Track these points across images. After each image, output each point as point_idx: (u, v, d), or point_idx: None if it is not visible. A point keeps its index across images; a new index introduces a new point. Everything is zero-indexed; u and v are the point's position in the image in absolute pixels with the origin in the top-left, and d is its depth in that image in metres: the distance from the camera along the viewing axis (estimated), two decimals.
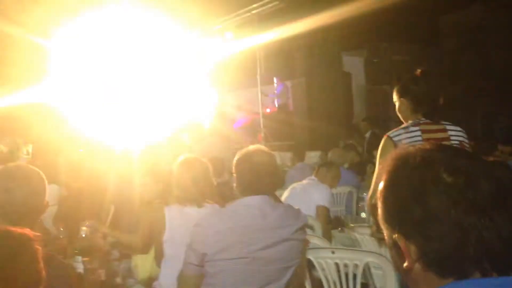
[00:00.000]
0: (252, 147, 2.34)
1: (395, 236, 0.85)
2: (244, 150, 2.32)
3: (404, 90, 2.49)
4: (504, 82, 8.09)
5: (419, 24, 8.69)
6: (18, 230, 1.35)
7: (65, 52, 6.82)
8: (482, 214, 0.78)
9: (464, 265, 0.79)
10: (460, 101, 8.17)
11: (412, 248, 0.82)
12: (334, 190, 4.84)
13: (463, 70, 8.39)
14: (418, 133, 2.38)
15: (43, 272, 1.33)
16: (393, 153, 0.88)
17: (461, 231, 0.78)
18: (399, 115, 2.53)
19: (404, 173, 0.84)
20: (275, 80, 9.45)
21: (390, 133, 2.42)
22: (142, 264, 3.05)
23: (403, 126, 2.46)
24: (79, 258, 2.66)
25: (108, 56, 7.06)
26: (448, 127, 2.45)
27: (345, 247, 2.97)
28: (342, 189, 4.79)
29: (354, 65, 9.77)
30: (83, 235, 2.74)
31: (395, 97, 2.53)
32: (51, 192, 4.51)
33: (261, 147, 2.40)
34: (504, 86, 8.10)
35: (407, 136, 2.36)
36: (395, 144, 2.34)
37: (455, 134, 2.42)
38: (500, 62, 8.15)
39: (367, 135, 7.20)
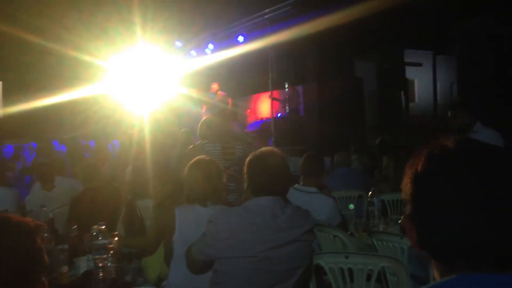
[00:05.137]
0: (265, 149, 2.36)
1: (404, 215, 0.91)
2: (257, 152, 2.35)
3: None
4: None
5: (431, 30, 8.67)
6: (17, 218, 1.36)
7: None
8: (484, 213, 0.80)
9: (463, 259, 0.81)
10: (472, 107, 8.13)
11: (414, 232, 0.88)
12: (344, 194, 4.84)
13: (474, 76, 8.34)
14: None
15: (45, 260, 1.34)
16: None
17: (461, 226, 0.81)
18: None
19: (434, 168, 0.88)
20: (286, 84, 9.46)
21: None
22: (152, 263, 3.08)
23: None
24: (90, 256, 2.70)
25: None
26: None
27: (359, 252, 2.94)
28: (352, 193, 4.77)
29: (365, 70, 9.75)
30: (95, 234, 2.79)
31: None
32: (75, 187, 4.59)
33: (274, 149, 2.41)
34: None
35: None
36: None
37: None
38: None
39: (377, 141, 7.18)
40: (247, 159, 2.34)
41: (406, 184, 0.92)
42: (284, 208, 2.21)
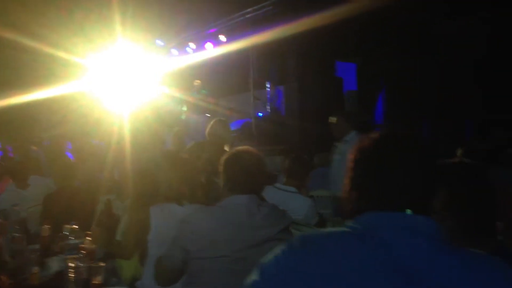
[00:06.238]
0: (241, 148, 2.37)
1: None
2: (233, 150, 2.35)
3: None
4: (495, 91, 8.15)
5: (413, 32, 8.74)
6: None
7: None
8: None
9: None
10: (452, 109, 8.23)
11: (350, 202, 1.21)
12: (322, 193, 4.84)
13: (454, 79, 8.43)
14: None
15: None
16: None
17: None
18: None
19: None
20: (267, 84, 9.45)
21: None
22: (127, 264, 3.03)
23: None
24: (62, 256, 2.64)
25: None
26: None
27: None
28: (331, 192, 4.77)
29: (346, 70, 9.80)
30: (66, 234, 2.72)
31: None
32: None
33: (250, 148, 2.42)
34: (495, 95, 8.16)
35: None
36: None
37: None
38: (490, 72, 8.22)
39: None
40: (224, 158, 2.32)
41: (351, 160, 1.21)
42: (260, 206, 2.19)
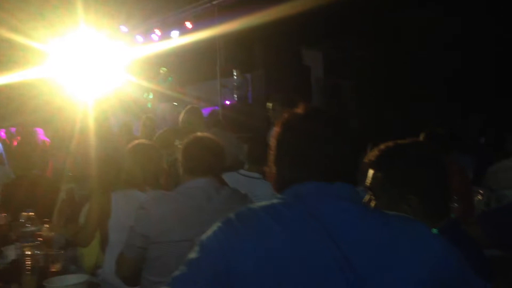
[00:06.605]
0: (199, 133, 2.41)
1: None
2: (191, 136, 2.35)
3: None
4: (454, 82, 8.37)
5: (380, 20, 8.82)
6: None
7: None
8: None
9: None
10: (417, 98, 8.39)
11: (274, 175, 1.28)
12: None
13: (420, 68, 8.58)
14: None
15: None
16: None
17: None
18: None
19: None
20: (234, 72, 9.40)
21: None
22: (88, 251, 2.97)
23: None
24: (18, 244, 2.57)
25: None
26: None
27: None
28: None
29: (313, 58, 9.84)
30: (23, 222, 2.65)
31: None
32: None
33: (208, 134, 2.46)
34: (455, 85, 8.38)
35: None
36: None
37: None
38: (453, 61, 8.41)
39: None
40: (183, 143, 2.31)
41: (274, 135, 1.25)
42: (220, 190, 2.18)
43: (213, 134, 5.28)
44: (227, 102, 9.47)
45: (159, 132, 5.12)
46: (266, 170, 3.85)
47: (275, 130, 1.25)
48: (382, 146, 1.59)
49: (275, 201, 1.17)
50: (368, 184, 1.58)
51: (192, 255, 1.12)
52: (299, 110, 1.26)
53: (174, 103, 9.60)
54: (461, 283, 1.14)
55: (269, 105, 4.73)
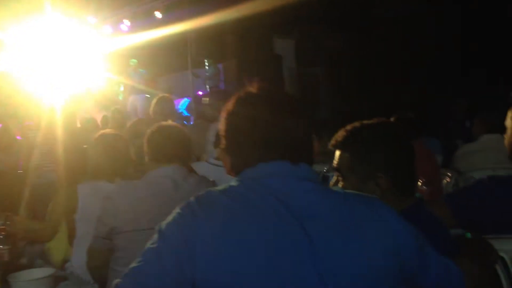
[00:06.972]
0: (163, 123, 2.40)
1: None
2: (156, 124, 2.34)
3: None
4: (431, 67, 8.50)
5: (351, 9, 8.87)
6: None
7: None
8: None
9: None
10: (388, 83, 8.49)
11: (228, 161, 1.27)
12: None
13: (390, 58, 8.67)
14: None
15: None
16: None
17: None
18: None
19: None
20: (206, 62, 9.32)
21: None
22: (56, 246, 2.91)
23: None
24: None
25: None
26: None
27: None
28: None
29: (285, 47, 9.84)
30: None
31: None
32: None
33: (174, 123, 2.46)
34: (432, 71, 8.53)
35: None
36: None
37: None
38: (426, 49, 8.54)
39: None
40: (148, 132, 2.29)
41: (221, 122, 1.22)
42: (187, 177, 2.16)
43: (196, 125, 5.26)
44: (200, 93, 9.39)
45: (130, 123, 5.04)
46: (220, 155, 3.87)
47: (223, 114, 1.22)
48: (348, 127, 1.57)
49: (233, 183, 1.16)
50: (335, 165, 1.57)
51: (151, 244, 1.08)
52: (253, 90, 1.23)
53: (147, 95, 9.47)
54: (421, 261, 1.15)
55: (206, 100, 4.75)
